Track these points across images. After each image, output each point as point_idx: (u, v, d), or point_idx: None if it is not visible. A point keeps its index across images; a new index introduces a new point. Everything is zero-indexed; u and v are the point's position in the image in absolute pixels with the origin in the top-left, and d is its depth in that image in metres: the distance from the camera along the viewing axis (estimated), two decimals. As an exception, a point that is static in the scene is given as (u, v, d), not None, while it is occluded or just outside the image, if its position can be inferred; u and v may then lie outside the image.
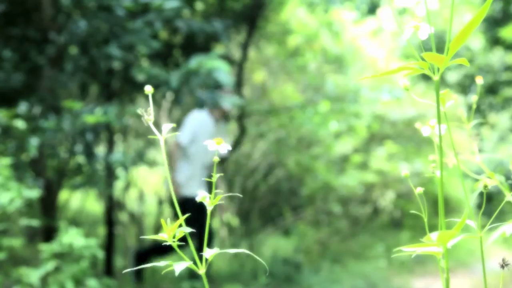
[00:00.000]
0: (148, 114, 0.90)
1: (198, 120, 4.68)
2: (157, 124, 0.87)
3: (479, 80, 1.12)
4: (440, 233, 0.81)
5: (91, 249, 3.38)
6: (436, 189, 0.87)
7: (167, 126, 0.93)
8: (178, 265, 0.88)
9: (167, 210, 6.23)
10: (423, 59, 0.80)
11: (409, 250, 0.88)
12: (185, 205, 4.24)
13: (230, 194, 1.08)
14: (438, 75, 0.81)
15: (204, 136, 4.54)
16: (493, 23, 7.86)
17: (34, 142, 3.44)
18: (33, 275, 3.17)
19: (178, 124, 6.07)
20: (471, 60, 8.98)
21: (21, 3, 4.08)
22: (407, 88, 0.91)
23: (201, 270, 0.91)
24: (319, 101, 6.17)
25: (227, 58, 4.99)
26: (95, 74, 4.13)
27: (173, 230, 0.91)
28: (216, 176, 0.93)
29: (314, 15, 6.24)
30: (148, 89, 0.93)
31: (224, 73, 3.87)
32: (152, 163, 5.27)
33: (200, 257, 0.92)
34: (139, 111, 0.90)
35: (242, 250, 0.95)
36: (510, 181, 1.09)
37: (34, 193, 3.14)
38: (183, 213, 0.89)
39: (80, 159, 4.11)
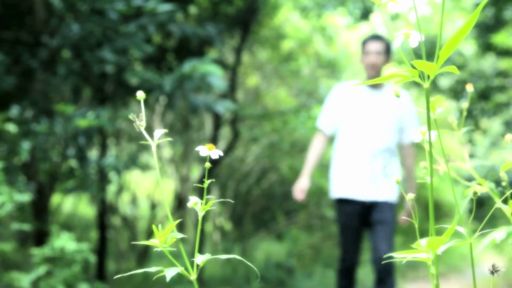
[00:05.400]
0: (140, 119, 0.90)
1: (339, 94, 3.53)
2: (150, 129, 0.87)
3: (470, 88, 1.13)
4: (430, 240, 0.81)
5: (83, 253, 3.36)
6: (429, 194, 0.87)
7: (159, 131, 0.93)
8: (169, 271, 0.88)
9: (160, 214, 6.21)
10: (413, 67, 0.80)
11: (400, 256, 0.88)
12: (335, 208, 3.61)
13: (223, 199, 1.08)
14: (428, 83, 0.82)
15: (351, 116, 3.47)
16: (485, 29, 7.92)
17: (26, 145, 3.42)
18: (24, 279, 3.15)
19: (171, 128, 6.07)
20: (464, 66, 9.02)
21: (14, 6, 4.07)
22: (398, 94, 0.92)
23: (193, 276, 0.91)
24: (312, 106, 6.18)
25: (220, 62, 4.99)
26: (88, 77, 4.12)
27: (165, 234, 0.90)
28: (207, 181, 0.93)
29: (308, 20, 6.26)
30: (140, 95, 0.93)
31: (217, 77, 3.87)
32: (145, 167, 5.26)
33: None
34: (131, 116, 0.90)
35: (234, 256, 0.95)
36: (501, 188, 1.10)
37: (25, 197, 3.12)
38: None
39: (73, 163, 4.09)
